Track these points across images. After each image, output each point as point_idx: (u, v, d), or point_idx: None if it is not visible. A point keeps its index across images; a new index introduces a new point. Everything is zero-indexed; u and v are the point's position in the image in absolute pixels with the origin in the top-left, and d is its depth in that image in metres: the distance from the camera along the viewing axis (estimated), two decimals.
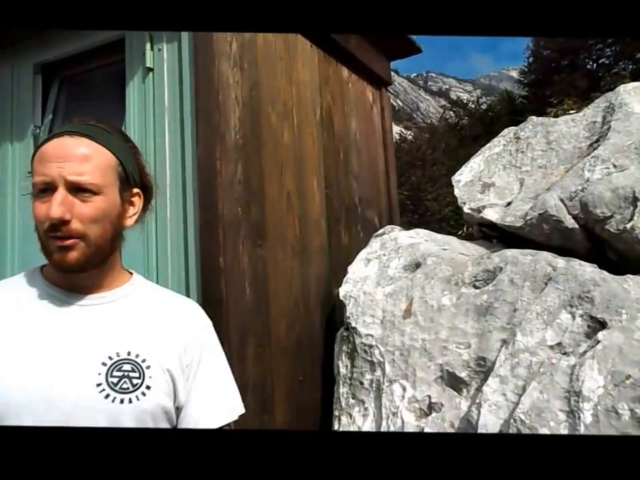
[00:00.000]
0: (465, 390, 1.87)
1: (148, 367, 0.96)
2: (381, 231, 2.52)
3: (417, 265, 2.21)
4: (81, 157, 0.96)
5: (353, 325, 2.17)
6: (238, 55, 2.05)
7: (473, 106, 11.47)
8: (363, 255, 2.40)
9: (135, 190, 1.04)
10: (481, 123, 9.99)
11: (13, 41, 2.39)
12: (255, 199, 2.04)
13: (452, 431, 1.81)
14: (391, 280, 2.22)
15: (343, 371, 2.18)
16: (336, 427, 2.13)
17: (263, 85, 2.16)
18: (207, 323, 1.11)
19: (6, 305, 0.98)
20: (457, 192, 2.66)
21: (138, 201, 1.05)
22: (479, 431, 1.70)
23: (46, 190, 0.94)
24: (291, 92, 2.31)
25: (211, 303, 1.85)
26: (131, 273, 1.08)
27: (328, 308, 2.40)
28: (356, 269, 2.34)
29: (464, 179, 2.69)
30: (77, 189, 0.94)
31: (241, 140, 2.01)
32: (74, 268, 0.96)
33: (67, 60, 2.34)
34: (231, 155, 1.96)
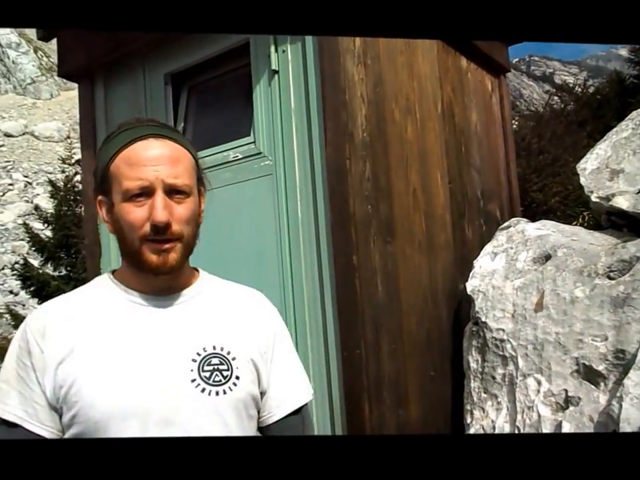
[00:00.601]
0: (602, 383, 1.80)
1: (234, 359, 0.99)
2: (506, 224, 2.45)
3: (547, 257, 2.14)
4: (173, 159, 0.97)
5: (483, 319, 2.13)
6: (361, 52, 2.06)
7: (579, 89, 10.78)
8: (489, 248, 2.34)
9: (202, 188, 1.05)
10: (589, 108, 9.37)
11: (143, 54, 2.54)
12: (383, 196, 2.05)
13: (591, 424, 1.75)
14: (520, 273, 2.15)
15: (473, 365, 2.16)
16: (468, 421, 2.11)
17: (386, 81, 2.16)
18: (275, 310, 1.14)
19: (86, 315, 0.99)
20: (582, 180, 2.53)
21: (204, 198, 1.06)
22: (621, 424, 1.63)
23: (141, 194, 0.94)
24: (412, 86, 2.29)
25: (346, 301, 1.89)
26: (197, 270, 1.10)
27: (454, 303, 2.37)
28: (482, 263, 2.30)
29: (590, 166, 2.55)
30: (172, 191, 0.96)
31: (367, 137, 2.03)
32: (172, 270, 0.98)
33: (194, 68, 2.45)
34: (359, 153, 1.98)
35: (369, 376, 1.85)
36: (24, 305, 11.78)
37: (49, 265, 7.04)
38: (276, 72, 2.16)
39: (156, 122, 1.03)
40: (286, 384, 1.06)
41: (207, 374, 0.96)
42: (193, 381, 0.95)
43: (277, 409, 1.05)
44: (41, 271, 6.84)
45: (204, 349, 0.98)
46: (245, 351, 1.01)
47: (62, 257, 6.93)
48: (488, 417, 2.06)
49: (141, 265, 0.97)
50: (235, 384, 0.97)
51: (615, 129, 2.73)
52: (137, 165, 0.95)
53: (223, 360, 0.98)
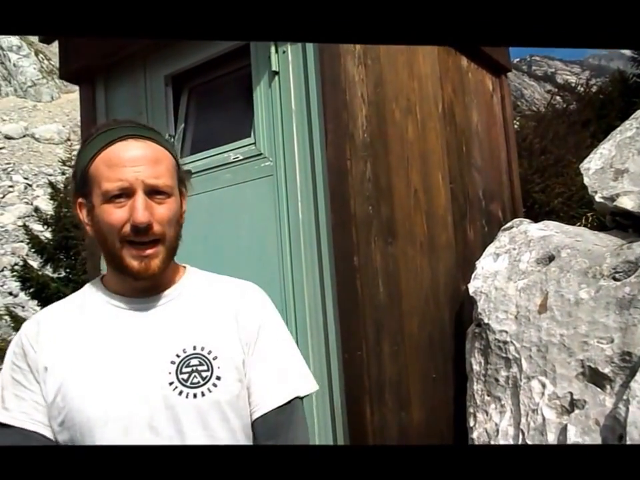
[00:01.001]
0: (608, 386, 1.78)
1: (215, 358, 0.96)
2: (508, 225, 2.43)
3: (551, 258, 2.12)
4: (154, 159, 0.96)
5: (486, 321, 2.11)
6: (362, 52, 2.05)
7: (582, 89, 10.78)
8: (491, 249, 2.33)
9: (184, 189, 1.04)
10: (592, 107, 9.35)
11: (144, 55, 2.54)
12: (384, 197, 2.04)
13: (597, 428, 1.73)
14: (523, 274, 2.14)
15: (476, 367, 2.14)
16: (471, 424, 2.09)
17: (386, 81, 2.15)
18: (262, 300, 1.08)
19: (72, 322, 1.00)
20: (586, 180, 2.52)
21: (185, 199, 1.05)
22: (628, 428, 1.61)
23: (121, 195, 0.93)
24: (413, 86, 2.28)
25: (347, 302, 1.88)
26: (184, 267, 1.08)
27: (456, 304, 2.35)
28: (485, 264, 2.28)
29: (593, 166, 2.54)
30: (153, 192, 0.95)
31: (368, 138, 2.02)
32: (154, 276, 0.97)
33: (195, 70, 2.45)
34: (360, 154, 1.97)
35: (371, 378, 1.84)
36: (23, 307, 11.78)
37: (48, 267, 7.05)
38: (276, 73, 2.15)
39: (135, 123, 1.02)
40: (268, 378, 1.01)
41: (185, 376, 0.94)
42: (171, 383, 0.94)
43: (259, 405, 1.01)
44: (40, 273, 6.84)
45: (184, 350, 0.96)
46: (229, 348, 0.99)
47: (61, 259, 6.94)
48: (491, 420, 2.04)
49: (122, 269, 0.96)
50: (214, 385, 0.95)
51: (618, 129, 2.71)
52: (116, 166, 0.94)
53: (203, 360, 0.96)
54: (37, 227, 8.43)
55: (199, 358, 0.96)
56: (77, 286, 6.45)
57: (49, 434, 0.94)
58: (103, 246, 0.98)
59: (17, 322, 6.68)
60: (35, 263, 7.54)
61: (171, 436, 0.92)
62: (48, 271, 7.06)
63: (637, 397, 1.62)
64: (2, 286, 14.14)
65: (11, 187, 19.71)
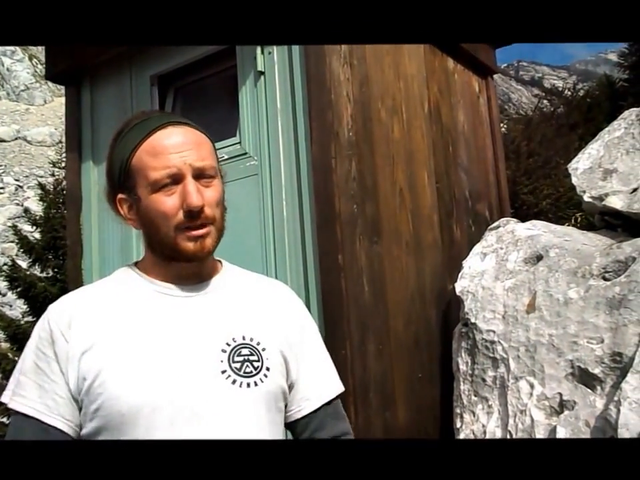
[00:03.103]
0: (599, 387, 1.77)
1: (264, 349, 0.96)
2: (495, 224, 2.43)
3: (539, 258, 2.12)
4: (196, 143, 0.96)
5: (473, 320, 2.11)
6: (347, 52, 2.05)
7: (569, 93, 10.87)
8: (478, 248, 2.32)
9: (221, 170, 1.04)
10: (579, 111, 9.44)
11: (130, 55, 2.53)
12: (369, 196, 2.04)
13: (587, 430, 1.72)
14: (510, 274, 2.13)
15: (463, 367, 2.13)
16: (458, 425, 2.08)
17: (372, 81, 2.15)
18: (300, 303, 1.12)
19: (109, 307, 0.97)
20: (574, 180, 2.52)
21: (223, 181, 1.04)
22: (619, 430, 1.60)
23: (170, 183, 0.93)
24: (399, 86, 2.28)
25: (331, 300, 1.87)
26: (220, 261, 1.08)
27: (442, 304, 2.35)
28: (472, 264, 2.28)
29: (582, 166, 2.55)
30: (200, 175, 0.95)
31: (353, 137, 2.01)
32: (208, 255, 0.98)
33: (180, 70, 2.44)
34: (345, 153, 1.97)
35: (355, 377, 1.82)
36: (11, 306, 11.71)
37: (36, 267, 7.02)
38: (262, 73, 2.15)
39: (165, 112, 1.02)
40: (315, 378, 1.03)
41: (238, 365, 0.93)
42: (224, 372, 0.92)
43: (306, 403, 1.01)
44: (28, 272, 6.82)
45: (233, 339, 0.95)
46: (275, 342, 0.99)
47: (49, 259, 6.92)
48: (479, 421, 2.03)
49: (177, 254, 0.95)
50: (265, 375, 0.94)
51: (607, 129, 2.72)
52: (161, 154, 0.93)
53: (253, 350, 0.95)
54: (26, 228, 8.40)
55: (249, 348, 0.95)
56: (64, 285, 6.44)
57: (66, 429, 0.91)
58: (154, 236, 0.97)
59: (4, 320, 6.63)
60: (23, 263, 7.51)
61: (221, 425, 0.90)
62: (36, 270, 7.03)
63: (628, 398, 1.61)
64: None
65: (1, 188, 19.62)
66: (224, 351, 0.93)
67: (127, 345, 0.92)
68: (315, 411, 1.02)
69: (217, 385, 0.91)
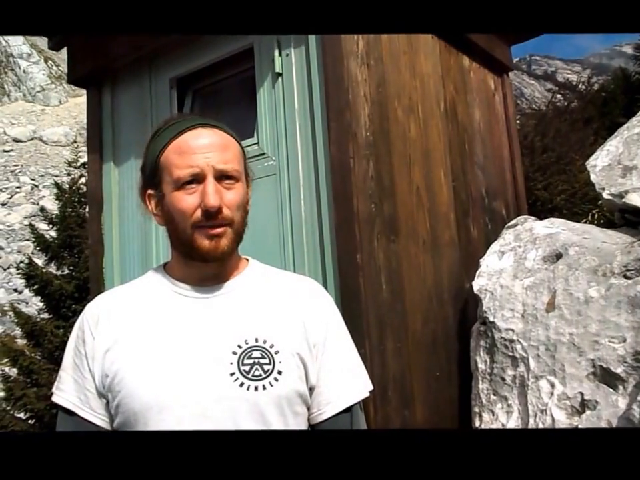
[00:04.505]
0: (621, 387, 1.76)
1: (277, 352, 0.95)
2: (513, 222, 2.43)
3: (558, 256, 2.11)
4: (222, 146, 0.98)
5: (491, 319, 2.11)
6: (365, 53, 2.06)
7: (583, 87, 10.74)
8: (495, 247, 2.32)
9: (248, 177, 1.05)
10: (594, 105, 9.32)
11: (150, 59, 2.56)
12: (386, 195, 2.04)
13: None
14: (529, 272, 2.13)
15: (481, 366, 2.13)
16: (477, 424, 2.09)
17: (388, 81, 2.16)
18: (327, 299, 1.09)
19: (133, 306, 1.00)
20: (593, 177, 2.50)
21: (250, 187, 1.06)
22: None
23: (192, 181, 0.95)
24: (415, 85, 2.29)
25: (350, 299, 1.88)
26: (247, 259, 1.08)
27: (460, 302, 2.35)
28: (489, 262, 2.27)
29: (600, 163, 2.53)
30: (222, 177, 0.96)
31: (371, 137, 2.02)
32: (223, 256, 0.98)
33: (199, 73, 2.46)
34: (362, 153, 1.97)
35: (374, 376, 1.83)
36: (27, 303, 11.87)
37: (52, 265, 7.11)
38: (279, 74, 2.17)
39: (199, 116, 1.04)
40: (337, 380, 1.01)
41: (247, 367, 0.93)
42: (232, 374, 0.92)
43: (327, 406, 1.00)
44: (44, 270, 6.90)
45: (245, 341, 0.95)
46: (291, 344, 0.97)
47: (65, 257, 7.01)
48: (498, 420, 2.03)
49: (193, 252, 0.97)
50: (276, 379, 0.93)
51: (625, 125, 2.70)
52: (187, 153, 0.96)
53: (265, 353, 0.94)
54: (42, 226, 8.50)
55: (261, 350, 0.95)
56: (80, 283, 6.52)
57: (98, 422, 0.96)
58: (173, 233, 0.99)
59: (21, 317, 6.73)
60: (39, 260, 7.61)
61: (226, 427, 0.90)
62: (52, 268, 7.12)
63: None
64: (8, 283, 14.26)
65: (18, 187, 19.85)
66: (234, 353, 0.94)
67: (143, 345, 0.95)
68: (337, 415, 1.00)
69: (224, 387, 0.92)
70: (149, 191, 1.02)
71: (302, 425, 0.98)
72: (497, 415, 2.03)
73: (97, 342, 0.96)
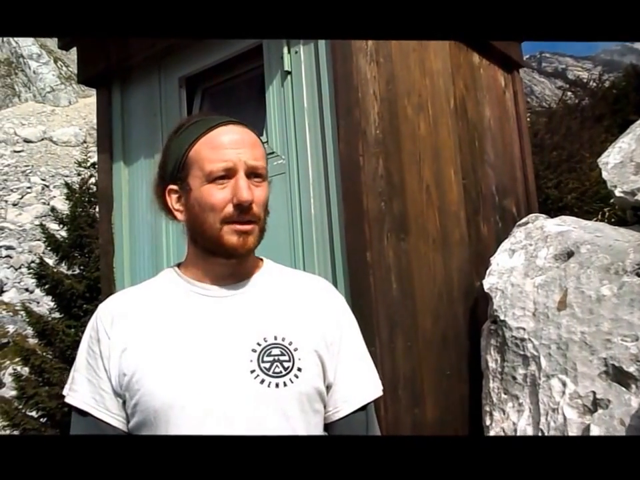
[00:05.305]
0: (634, 385, 1.74)
1: (296, 350, 0.95)
2: (524, 220, 2.41)
3: (570, 254, 2.09)
4: (253, 143, 0.99)
5: (502, 317, 2.09)
6: (374, 50, 2.05)
7: (594, 84, 10.66)
8: (506, 245, 2.31)
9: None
10: (605, 102, 9.25)
11: (159, 58, 2.57)
12: (396, 193, 2.04)
13: (622, 428, 1.70)
14: (540, 270, 2.11)
15: (492, 365, 2.12)
16: (487, 423, 2.08)
17: (398, 78, 2.15)
18: (341, 298, 1.10)
19: (149, 306, 1.00)
20: (605, 175, 2.48)
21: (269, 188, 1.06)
22: None
23: (224, 176, 0.96)
24: (424, 83, 2.28)
25: (360, 298, 1.87)
26: (261, 259, 1.09)
27: (470, 300, 2.34)
28: (500, 260, 2.26)
29: (612, 160, 2.51)
30: (252, 174, 0.97)
31: (380, 135, 2.01)
32: (248, 253, 0.99)
33: (208, 72, 2.47)
34: (372, 150, 1.97)
35: (384, 374, 1.83)
36: (38, 302, 11.97)
37: (63, 264, 7.17)
38: (289, 73, 2.16)
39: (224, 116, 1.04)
40: (354, 378, 1.02)
41: (267, 365, 0.93)
42: (252, 371, 0.92)
43: (344, 404, 1.00)
44: (55, 270, 6.95)
45: (264, 339, 0.95)
46: (309, 342, 0.98)
47: (75, 256, 7.06)
48: (509, 419, 2.02)
49: (219, 248, 0.97)
50: (296, 376, 0.94)
51: (638, 122, 2.67)
52: (219, 148, 0.96)
53: (284, 351, 0.95)
54: (53, 226, 8.57)
55: (280, 348, 0.95)
56: (90, 282, 6.56)
57: (114, 422, 0.95)
58: (199, 227, 0.99)
59: (32, 317, 6.79)
60: (50, 260, 7.67)
61: (249, 425, 0.91)
62: (63, 268, 7.17)
63: None
64: (19, 282, 14.39)
65: (29, 188, 20.01)
66: (254, 351, 0.94)
67: (162, 344, 0.95)
68: (353, 413, 1.00)
69: (245, 385, 0.92)
70: (171, 186, 1.02)
71: (320, 423, 0.99)
72: (508, 413, 2.01)
73: (113, 341, 0.96)
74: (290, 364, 0.94)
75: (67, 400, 0.99)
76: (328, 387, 1.00)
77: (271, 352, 0.94)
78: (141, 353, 0.94)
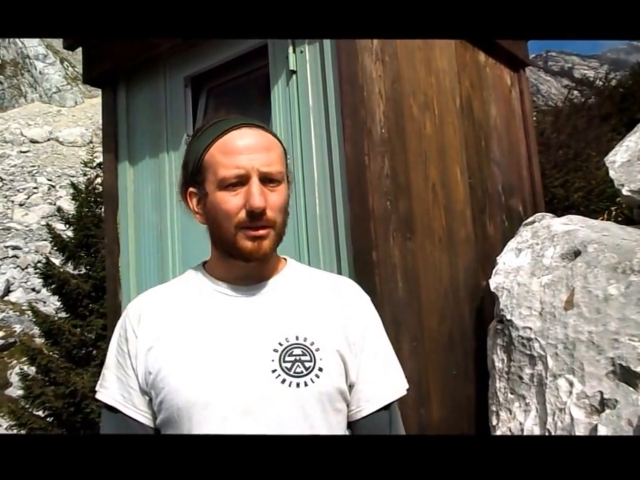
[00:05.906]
0: None
1: (317, 350, 0.96)
2: (530, 219, 2.40)
3: (576, 253, 2.08)
4: (267, 147, 0.98)
5: (508, 317, 2.08)
6: (379, 49, 2.05)
7: (600, 83, 10.62)
8: (512, 244, 2.30)
9: (289, 178, 1.05)
10: (611, 101, 9.22)
11: (164, 58, 2.57)
12: (402, 192, 2.03)
13: (630, 428, 1.68)
14: (547, 270, 2.10)
15: (498, 365, 2.11)
16: (494, 423, 2.07)
17: (403, 77, 2.14)
18: (365, 297, 1.09)
19: (175, 305, 1.01)
20: (612, 173, 2.47)
21: (290, 185, 1.06)
22: None
23: (237, 182, 0.95)
24: (430, 81, 2.27)
25: None
26: (285, 259, 1.09)
27: (476, 300, 2.33)
28: (506, 260, 2.25)
29: (619, 159, 2.50)
30: (266, 179, 0.96)
31: (386, 134, 2.01)
32: (264, 257, 0.99)
33: (213, 71, 2.47)
34: (377, 150, 1.96)
35: None
36: (45, 302, 12.03)
37: (69, 264, 7.20)
38: (294, 72, 2.16)
39: (243, 116, 1.03)
40: (377, 377, 1.02)
41: (288, 364, 0.94)
42: (274, 371, 0.93)
43: (367, 404, 1.00)
44: (61, 270, 6.99)
45: (286, 339, 0.96)
46: (331, 342, 0.98)
47: (82, 256, 7.10)
48: (515, 419, 2.01)
49: (235, 252, 0.98)
50: (317, 376, 0.94)
51: None
52: (232, 154, 0.96)
53: (306, 351, 0.95)
54: (59, 226, 8.60)
55: (302, 348, 0.95)
56: (96, 282, 6.58)
57: (141, 419, 0.97)
58: (216, 232, 1.00)
59: (39, 317, 6.82)
60: (57, 260, 7.70)
61: (269, 424, 0.91)
62: (69, 268, 7.21)
63: None
64: (26, 282, 14.45)
65: (35, 188, 20.10)
66: (276, 351, 0.94)
67: (186, 342, 0.96)
68: (376, 412, 1.00)
69: (267, 384, 0.92)
70: (191, 189, 1.02)
71: (342, 422, 0.99)
72: (515, 413, 2.00)
73: (140, 340, 0.98)
74: (311, 364, 0.94)
75: (97, 396, 1.02)
76: (350, 386, 1.00)
77: (292, 352, 0.95)
78: (166, 351, 0.96)
